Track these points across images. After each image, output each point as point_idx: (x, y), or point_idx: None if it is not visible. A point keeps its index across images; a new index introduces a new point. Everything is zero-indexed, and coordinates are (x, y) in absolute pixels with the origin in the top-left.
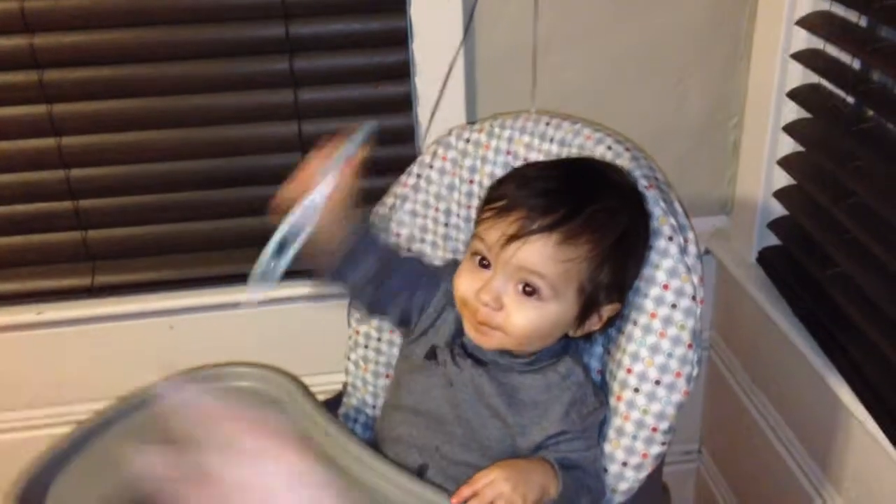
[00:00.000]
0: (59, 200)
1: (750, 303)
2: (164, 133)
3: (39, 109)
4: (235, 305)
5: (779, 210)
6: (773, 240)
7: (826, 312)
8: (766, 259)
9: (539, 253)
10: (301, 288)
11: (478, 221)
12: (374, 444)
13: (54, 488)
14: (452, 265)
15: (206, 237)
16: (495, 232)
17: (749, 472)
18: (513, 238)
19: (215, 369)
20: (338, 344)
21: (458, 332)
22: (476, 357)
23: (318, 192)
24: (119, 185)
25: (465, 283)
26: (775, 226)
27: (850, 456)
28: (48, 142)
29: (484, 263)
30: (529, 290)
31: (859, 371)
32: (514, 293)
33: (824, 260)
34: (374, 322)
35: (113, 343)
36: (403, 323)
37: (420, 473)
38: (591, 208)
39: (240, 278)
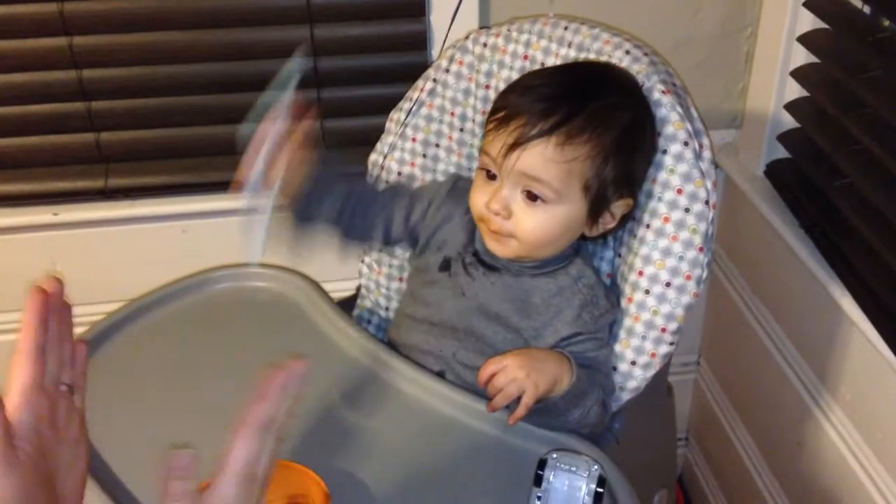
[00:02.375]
0: (71, 101)
1: (755, 215)
2: (177, 34)
3: (51, 8)
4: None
5: (789, 122)
6: (781, 152)
7: (831, 223)
8: (774, 171)
9: (539, 157)
10: None
11: (485, 132)
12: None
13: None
14: (450, 179)
15: (219, 141)
16: (497, 143)
17: (747, 383)
18: (513, 146)
19: (234, 269)
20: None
21: (470, 240)
22: (488, 264)
23: (265, 149)
24: (131, 87)
25: (476, 197)
26: (785, 138)
27: (847, 363)
28: (59, 41)
29: (491, 175)
30: (533, 196)
31: (862, 280)
32: (522, 200)
33: (832, 171)
34: None
35: (126, 245)
36: (390, 244)
37: None
38: (590, 107)
39: None
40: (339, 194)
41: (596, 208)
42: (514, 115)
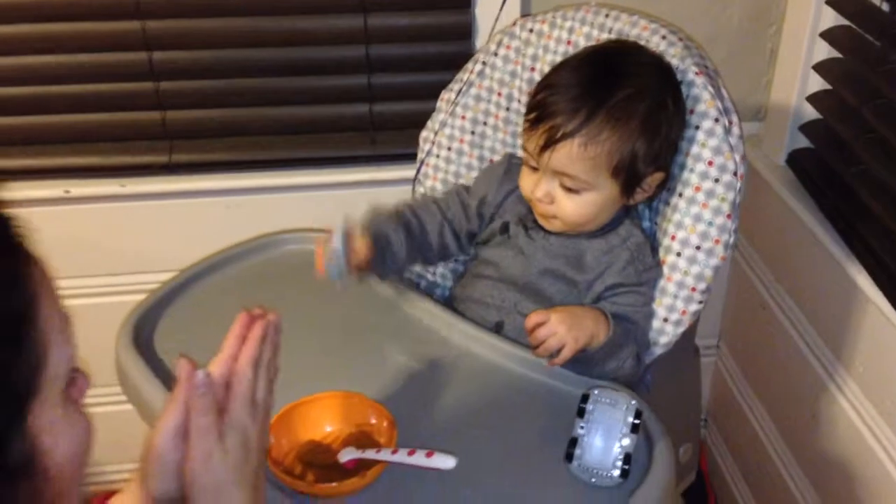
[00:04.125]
0: (141, 81)
1: (778, 202)
2: (241, 21)
3: None
4: (300, 187)
5: (811, 114)
6: (803, 142)
7: (850, 207)
8: (796, 160)
9: (566, 157)
10: (356, 174)
11: (523, 131)
12: (450, 304)
13: (163, 322)
14: (505, 159)
15: (274, 121)
16: (532, 142)
17: (765, 363)
18: (544, 147)
19: (297, 233)
20: None
21: (529, 209)
22: (546, 228)
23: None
24: (197, 69)
25: (524, 184)
26: (806, 129)
27: (862, 337)
28: (133, 24)
29: (534, 167)
30: (567, 188)
31: (879, 259)
32: (559, 189)
33: (851, 159)
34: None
35: (188, 218)
36: (448, 256)
37: (497, 329)
38: (608, 104)
39: (303, 162)
40: (399, 252)
41: (628, 187)
42: (544, 117)
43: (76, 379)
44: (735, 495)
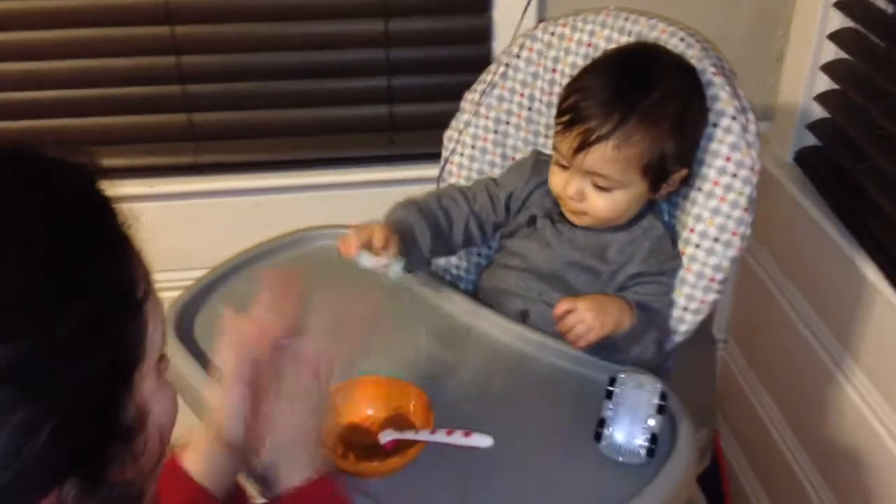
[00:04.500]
0: (169, 84)
1: (786, 198)
2: (267, 26)
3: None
4: (321, 187)
5: (818, 113)
6: (810, 140)
7: (858, 202)
8: (804, 157)
9: (600, 158)
10: (376, 174)
11: (555, 133)
12: (476, 295)
13: (201, 314)
14: (532, 155)
15: (297, 123)
16: (565, 144)
17: (772, 356)
18: (578, 149)
19: (329, 229)
20: None
21: (555, 203)
22: (572, 221)
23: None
24: (224, 73)
25: (555, 182)
26: (814, 127)
27: (869, 327)
28: (163, 30)
29: (564, 165)
30: (599, 186)
31: (885, 250)
32: (591, 187)
33: (858, 155)
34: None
35: (213, 216)
36: (472, 245)
37: (522, 318)
38: (640, 108)
39: (324, 162)
40: (428, 241)
41: (656, 183)
42: (577, 120)
43: (163, 359)
44: (744, 486)
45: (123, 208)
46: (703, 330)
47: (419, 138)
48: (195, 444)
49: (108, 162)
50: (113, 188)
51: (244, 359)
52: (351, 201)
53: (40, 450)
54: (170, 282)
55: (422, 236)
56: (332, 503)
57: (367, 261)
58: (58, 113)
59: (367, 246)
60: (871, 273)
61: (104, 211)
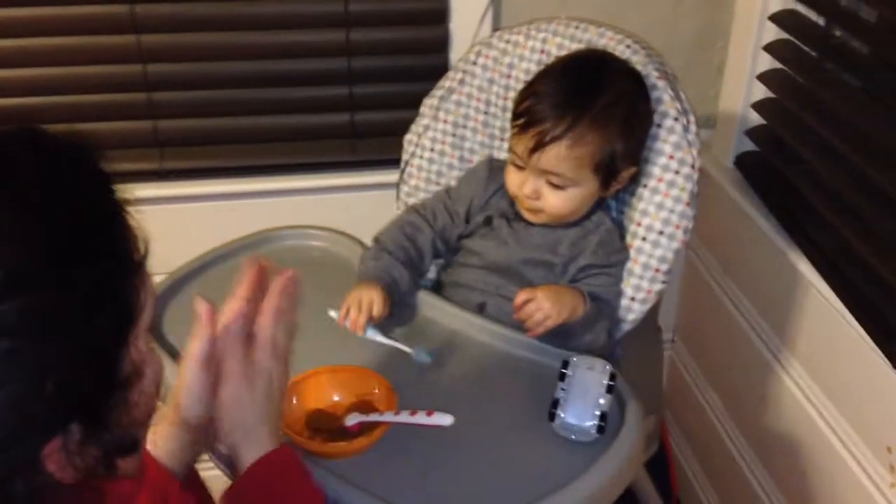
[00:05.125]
0: (135, 92)
1: (727, 200)
2: (232, 35)
3: (123, 9)
4: (286, 192)
5: (755, 120)
6: (749, 146)
7: (793, 203)
8: (743, 162)
9: (554, 158)
10: (338, 179)
11: (511, 134)
12: (438, 290)
13: (168, 312)
14: (486, 164)
15: (261, 130)
16: (521, 145)
17: (717, 353)
18: (534, 150)
19: (295, 229)
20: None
21: (511, 204)
22: (528, 221)
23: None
24: (189, 81)
25: (511, 182)
26: (752, 133)
27: (805, 320)
28: (129, 38)
29: (520, 166)
30: (554, 184)
31: (818, 247)
32: (546, 186)
33: (793, 159)
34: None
35: (178, 222)
36: (441, 252)
37: (480, 310)
38: (592, 110)
39: (288, 168)
40: (405, 276)
41: (607, 181)
42: (533, 122)
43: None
44: (690, 477)
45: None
46: (650, 320)
47: (380, 145)
48: (158, 426)
49: None
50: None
51: (205, 342)
52: (314, 206)
53: (50, 394)
54: None
55: (402, 281)
56: (289, 470)
57: (375, 337)
58: (24, 120)
59: (371, 319)
60: (806, 269)
61: (107, 181)
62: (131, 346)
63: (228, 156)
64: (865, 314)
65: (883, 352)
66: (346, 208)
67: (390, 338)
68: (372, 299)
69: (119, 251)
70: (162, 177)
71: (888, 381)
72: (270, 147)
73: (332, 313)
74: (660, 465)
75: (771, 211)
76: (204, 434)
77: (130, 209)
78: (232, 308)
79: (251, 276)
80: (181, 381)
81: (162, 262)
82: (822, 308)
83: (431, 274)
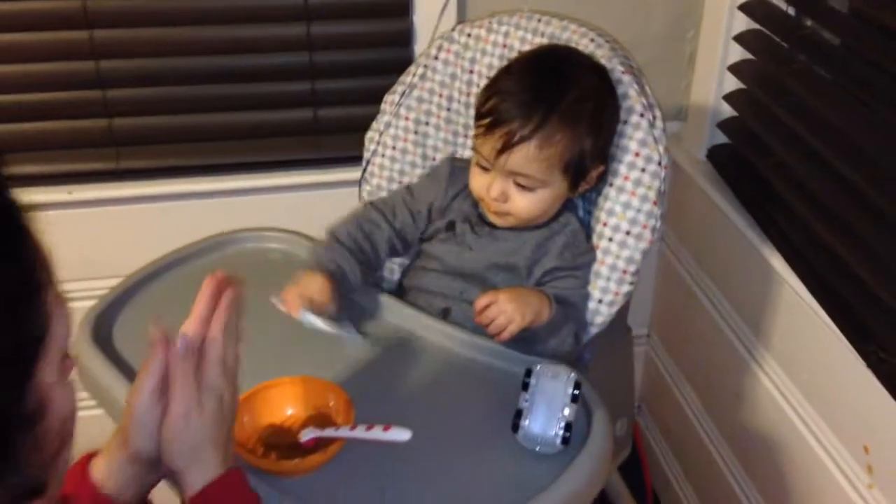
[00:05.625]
0: (88, 89)
1: (699, 193)
2: (187, 30)
3: (75, 4)
4: (248, 191)
5: (727, 112)
6: (721, 138)
7: (764, 195)
8: (715, 155)
9: (523, 158)
10: (302, 177)
11: (475, 135)
12: (399, 294)
13: (121, 319)
14: (447, 164)
15: (221, 127)
16: (487, 146)
17: (692, 349)
18: (501, 151)
19: (253, 232)
20: None
21: (474, 207)
22: (492, 223)
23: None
24: (144, 77)
25: (476, 184)
26: (724, 126)
27: (779, 316)
28: (81, 34)
29: (485, 167)
30: (522, 186)
31: (790, 241)
32: (514, 188)
33: (765, 152)
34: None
35: (136, 223)
36: (398, 255)
37: (444, 315)
38: (560, 108)
39: (250, 166)
40: (356, 271)
41: (575, 181)
42: (499, 122)
43: (67, 358)
44: (668, 474)
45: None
46: (619, 320)
47: (344, 141)
48: (105, 451)
49: (26, 169)
50: (31, 195)
51: (158, 374)
52: (277, 205)
53: None
54: (92, 290)
55: (352, 274)
56: (239, 495)
57: (312, 320)
58: None
59: (309, 303)
60: (779, 264)
61: (5, 197)
62: (37, 378)
63: (187, 154)
64: (840, 312)
65: (858, 351)
66: (311, 207)
67: (328, 323)
68: (313, 286)
69: (17, 268)
70: (119, 177)
71: (864, 381)
72: (231, 145)
73: (274, 300)
74: (634, 469)
75: (744, 206)
76: (157, 465)
77: (33, 219)
78: (189, 330)
79: (209, 292)
80: (131, 414)
81: (120, 266)
82: (796, 305)
83: (394, 276)
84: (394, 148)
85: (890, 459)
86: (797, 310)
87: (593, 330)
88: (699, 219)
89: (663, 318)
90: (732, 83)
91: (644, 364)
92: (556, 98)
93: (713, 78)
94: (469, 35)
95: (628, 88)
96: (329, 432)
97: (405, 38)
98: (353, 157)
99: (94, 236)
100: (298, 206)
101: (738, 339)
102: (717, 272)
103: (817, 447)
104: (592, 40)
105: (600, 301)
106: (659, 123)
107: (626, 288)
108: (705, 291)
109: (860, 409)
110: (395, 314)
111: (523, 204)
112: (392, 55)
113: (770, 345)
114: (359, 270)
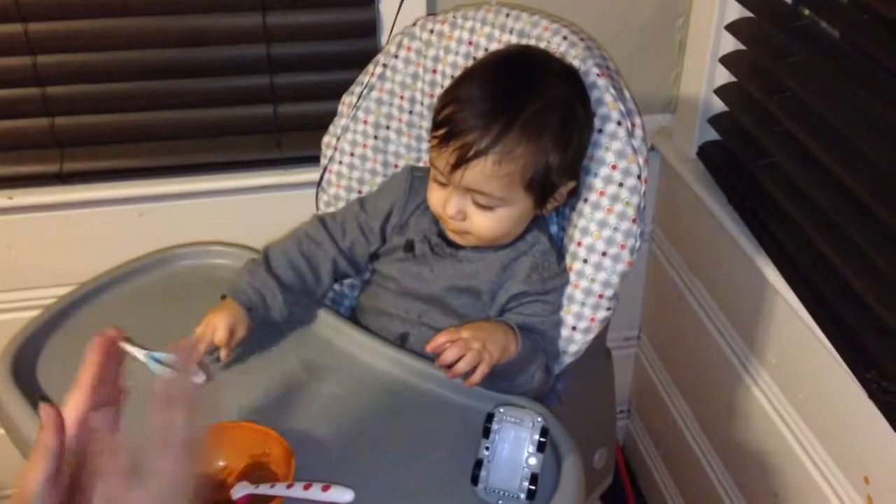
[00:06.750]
0: (26, 87)
1: (689, 194)
2: (132, 20)
3: None
4: (203, 194)
5: (719, 106)
6: (712, 135)
7: (757, 199)
8: (706, 152)
9: (480, 174)
10: (262, 178)
11: (430, 146)
12: (356, 314)
13: (48, 347)
14: (406, 175)
15: (173, 126)
16: (442, 160)
17: (683, 354)
18: (456, 166)
19: (200, 247)
20: None
21: (434, 223)
22: (453, 243)
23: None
24: (86, 72)
25: (434, 200)
26: (715, 121)
27: (773, 329)
28: (15, 27)
29: (443, 182)
30: (481, 205)
31: (784, 250)
32: (472, 206)
33: (758, 151)
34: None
35: (83, 229)
36: (346, 277)
37: (402, 341)
38: (521, 118)
39: (205, 167)
40: (282, 298)
41: (542, 198)
42: (454, 133)
43: None
44: (657, 481)
45: None
46: (597, 346)
47: (308, 139)
48: None
49: None
50: None
51: (53, 459)
52: (237, 208)
53: None
54: (36, 299)
55: (273, 301)
56: None
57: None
58: None
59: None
60: (772, 274)
61: None
62: None
63: (137, 155)
64: (837, 332)
65: (857, 378)
66: (272, 210)
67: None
68: (219, 322)
69: None
70: (63, 180)
71: (865, 407)
72: (184, 144)
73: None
74: (617, 493)
75: (735, 209)
76: None
77: None
78: (76, 402)
79: (96, 358)
80: (22, 501)
81: (65, 274)
82: (791, 321)
83: (356, 291)
84: (352, 154)
85: (894, 493)
86: (792, 326)
87: (567, 359)
88: (689, 219)
89: (653, 320)
90: (724, 76)
91: (634, 367)
92: (519, 108)
93: (704, 69)
94: (431, 31)
95: (604, 93)
96: (263, 490)
97: (370, 29)
98: (318, 157)
99: (38, 244)
100: (260, 210)
101: (730, 348)
102: (708, 276)
103: (815, 472)
104: (565, 38)
105: (574, 328)
106: (638, 132)
107: (602, 314)
108: (696, 295)
109: (861, 436)
110: (345, 339)
111: (483, 223)
112: (356, 47)
113: (763, 358)
114: (281, 299)
